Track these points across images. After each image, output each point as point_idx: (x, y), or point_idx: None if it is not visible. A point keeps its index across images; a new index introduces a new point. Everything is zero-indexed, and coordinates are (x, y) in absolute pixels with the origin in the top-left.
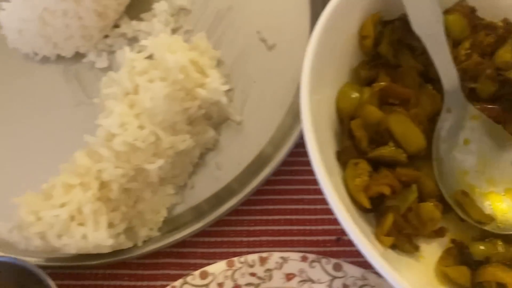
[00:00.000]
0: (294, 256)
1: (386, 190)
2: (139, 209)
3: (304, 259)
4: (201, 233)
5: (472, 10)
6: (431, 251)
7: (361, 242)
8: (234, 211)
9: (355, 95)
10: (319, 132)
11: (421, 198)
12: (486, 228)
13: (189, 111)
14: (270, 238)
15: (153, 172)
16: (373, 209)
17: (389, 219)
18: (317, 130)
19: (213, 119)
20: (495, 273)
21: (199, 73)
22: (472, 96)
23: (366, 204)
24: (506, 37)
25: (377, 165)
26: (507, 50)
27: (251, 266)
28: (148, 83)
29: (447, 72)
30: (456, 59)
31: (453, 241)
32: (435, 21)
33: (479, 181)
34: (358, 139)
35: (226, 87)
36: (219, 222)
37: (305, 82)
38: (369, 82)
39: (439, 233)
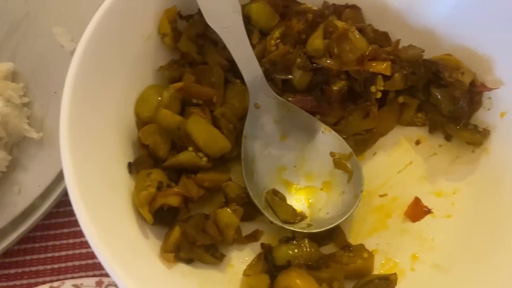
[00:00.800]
0: (88, 282)
1: (174, 202)
2: None
3: (99, 284)
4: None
5: None
6: (243, 258)
7: (111, 272)
8: (37, 237)
9: (155, 98)
10: (94, 147)
11: (228, 202)
12: (293, 228)
13: None
14: (77, 263)
15: None
16: (170, 220)
17: (175, 233)
18: (86, 146)
19: (4, 139)
20: (291, 279)
21: None
22: (288, 88)
23: (149, 219)
24: (317, 23)
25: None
26: (317, 37)
27: None
28: None
29: (248, 66)
30: (266, 50)
31: (262, 245)
32: (231, 12)
33: (297, 177)
34: (151, 147)
35: None
36: (19, 251)
37: (67, 95)
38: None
39: (252, 237)
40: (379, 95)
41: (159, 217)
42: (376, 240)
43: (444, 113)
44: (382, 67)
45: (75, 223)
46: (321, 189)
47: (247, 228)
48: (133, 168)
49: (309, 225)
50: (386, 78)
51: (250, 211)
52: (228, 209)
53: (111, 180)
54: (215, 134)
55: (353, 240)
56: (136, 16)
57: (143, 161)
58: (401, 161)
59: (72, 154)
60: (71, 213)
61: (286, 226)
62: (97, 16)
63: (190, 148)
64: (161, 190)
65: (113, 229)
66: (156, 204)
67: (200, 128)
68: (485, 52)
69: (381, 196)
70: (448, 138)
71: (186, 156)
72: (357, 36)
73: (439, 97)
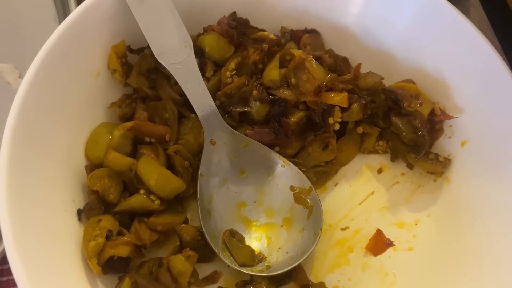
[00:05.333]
0: None
1: (123, 252)
2: None
3: None
4: None
5: (232, 26)
6: None
7: None
8: None
9: (106, 138)
10: (38, 196)
11: (183, 246)
12: (251, 272)
13: None
14: None
15: None
16: (121, 269)
17: (125, 285)
18: (27, 196)
19: None
20: None
21: None
22: (246, 120)
23: (97, 272)
24: (274, 52)
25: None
26: (273, 67)
27: None
28: None
29: (201, 102)
30: (221, 83)
31: None
32: (183, 46)
33: (257, 213)
34: (101, 192)
35: None
36: None
37: (7, 138)
38: (129, 120)
39: (210, 280)
40: (337, 126)
41: (110, 266)
42: (338, 276)
43: (405, 141)
44: (339, 98)
45: None
46: (281, 226)
47: (206, 269)
48: (82, 215)
49: (267, 267)
50: (344, 109)
51: (207, 253)
52: (182, 256)
53: (57, 231)
54: (167, 175)
55: (314, 277)
56: (82, 53)
57: (93, 207)
58: (363, 191)
59: (11, 209)
60: None
61: (243, 270)
62: (41, 54)
63: (142, 191)
64: (111, 240)
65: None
66: (105, 255)
67: (150, 169)
68: (445, 78)
69: (342, 229)
70: (410, 166)
71: (137, 200)
72: (314, 66)
73: (399, 125)
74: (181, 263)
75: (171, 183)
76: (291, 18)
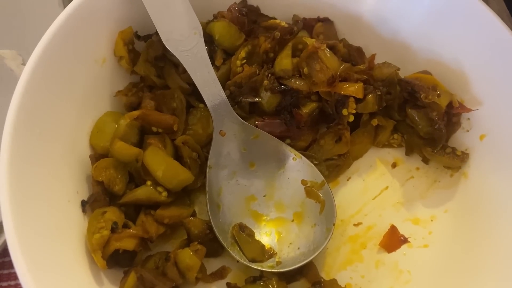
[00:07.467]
0: None
1: (129, 245)
2: None
3: None
4: None
5: (242, 13)
6: None
7: None
8: None
9: (111, 127)
10: (40, 186)
11: (191, 239)
12: (261, 268)
13: None
14: None
15: None
16: (126, 263)
17: (130, 280)
18: (29, 186)
19: None
20: None
21: None
22: (256, 110)
23: (101, 265)
24: (286, 40)
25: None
26: (285, 56)
27: None
28: None
29: (211, 91)
30: (231, 72)
31: (227, 285)
32: (192, 33)
33: (267, 208)
34: (106, 183)
35: None
36: None
37: (8, 125)
38: (135, 109)
39: (218, 275)
40: (351, 118)
41: (115, 260)
42: (350, 273)
43: (421, 135)
44: (354, 89)
45: None
46: (292, 221)
47: (214, 265)
48: (87, 207)
49: (278, 263)
50: (358, 100)
51: (216, 247)
52: (189, 250)
53: (60, 223)
54: (175, 166)
55: (325, 274)
56: (87, 39)
57: (98, 198)
58: (376, 186)
59: (13, 200)
60: None
61: (253, 266)
62: (44, 40)
63: (149, 182)
64: (116, 232)
65: (60, 281)
66: (110, 248)
67: (158, 160)
68: (463, 70)
69: (355, 225)
70: (425, 160)
71: (144, 192)
72: (328, 55)
73: (415, 117)
74: (188, 257)
75: (179, 175)
76: (303, 6)
